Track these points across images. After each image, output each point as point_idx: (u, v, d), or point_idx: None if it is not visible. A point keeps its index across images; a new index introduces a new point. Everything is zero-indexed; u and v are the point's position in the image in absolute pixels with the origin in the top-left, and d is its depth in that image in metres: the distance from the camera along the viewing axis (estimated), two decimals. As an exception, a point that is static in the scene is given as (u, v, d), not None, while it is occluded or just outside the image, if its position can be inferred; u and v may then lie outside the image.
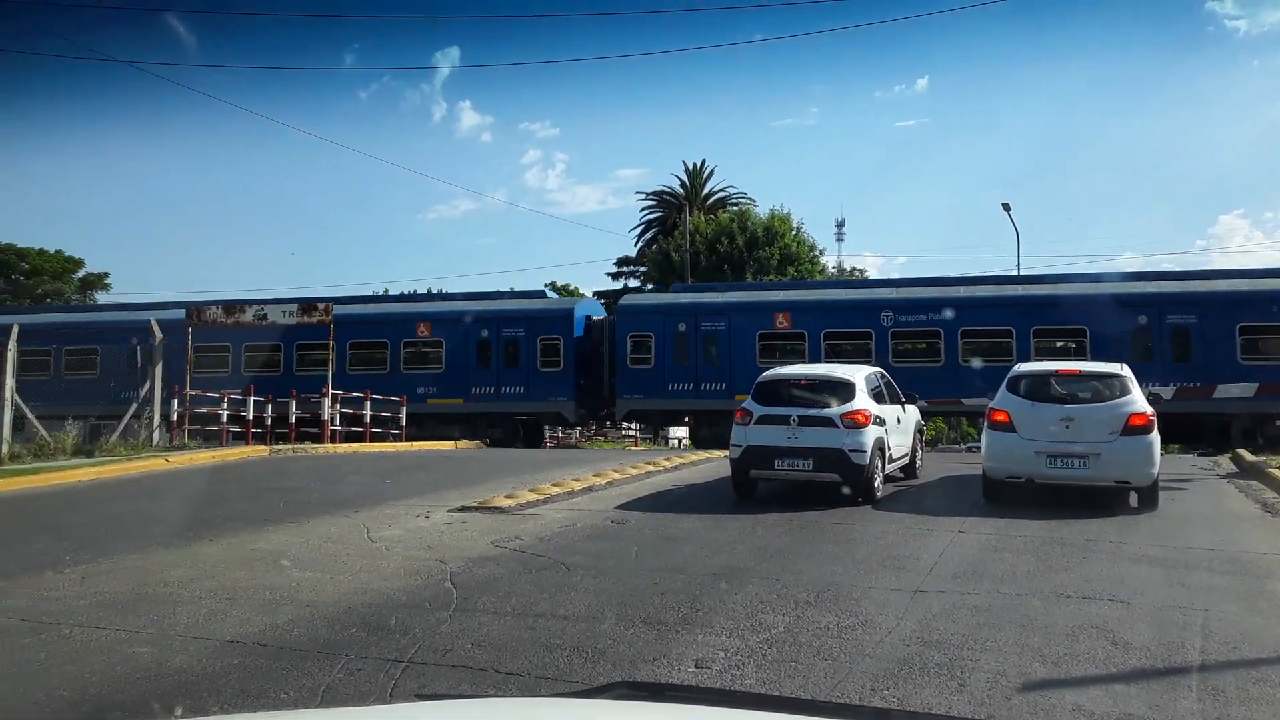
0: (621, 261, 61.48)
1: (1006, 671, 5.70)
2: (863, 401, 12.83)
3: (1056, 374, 13.15)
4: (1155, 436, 12.06)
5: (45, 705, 5.29)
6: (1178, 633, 6.65)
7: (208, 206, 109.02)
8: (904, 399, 15.03)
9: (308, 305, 25.28)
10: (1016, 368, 13.65)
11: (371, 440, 25.07)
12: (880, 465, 12.89)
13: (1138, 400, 12.20)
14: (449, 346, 29.84)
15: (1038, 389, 12.73)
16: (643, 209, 59.61)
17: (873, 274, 64.52)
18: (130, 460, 18.11)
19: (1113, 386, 12.44)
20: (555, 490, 13.59)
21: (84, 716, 5.15)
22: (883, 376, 14.66)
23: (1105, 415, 12.10)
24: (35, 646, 6.36)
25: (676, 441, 34.41)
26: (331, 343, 25.50)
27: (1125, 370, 12.81)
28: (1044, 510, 11.78)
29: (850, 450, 12.36)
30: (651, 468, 16.96)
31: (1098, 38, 76.57)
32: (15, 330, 20.09)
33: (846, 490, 12.47)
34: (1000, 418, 12.53)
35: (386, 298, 40.18)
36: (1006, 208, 39.15)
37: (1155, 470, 11.98)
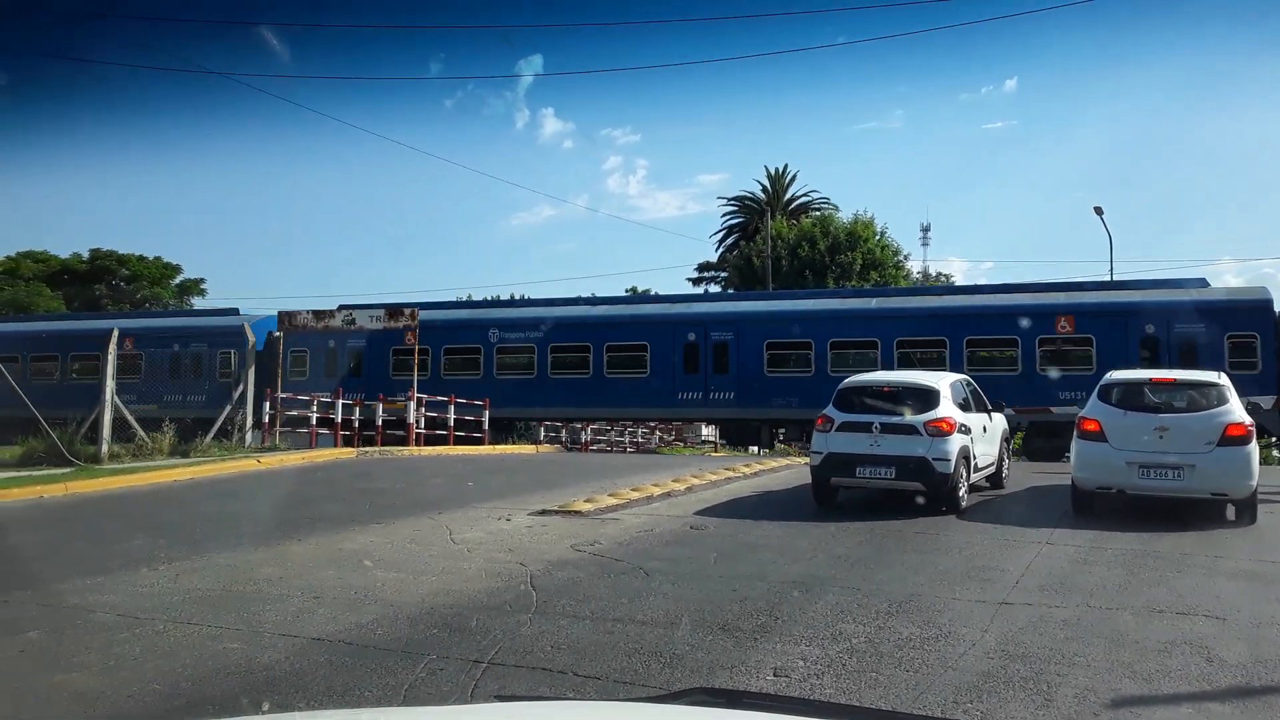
0: (703, 267, 61.50)
1: (1095, 687, 5.56)
2: (947, 409, 12.62)
3: (1150, 382, 12.78)
4: (1254, 447, 11.66)
5: (139, 698, 5.46)
6: (1274, 650, 6.42)
7: (299, 213, 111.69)
8: (990, 407, 14.74)
9: (395, 310, 25.72)
10: (1108, 375, 13.27)
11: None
12: (965, 474, 12.66)
13: (1235, 409, 11.80)
14: (1100, 344, 25.57)
15: (1130, 397, 12.39)
16: (724, 214, 59.62)
17: (959, 279, 63.29)
18: (224, 461, 18.63)
19: (1209, 395, 12.05)
20: (634, 495, 13.62)
21: (176, 710, 5.30)
22: (968, 384, 14.40)
23: (1201, 425, 11.73)
24: (130, 641, 6.58)
25: (754, 448, 34.16)
26: (417, 345, 25.83)
27: (1222, 379, 12.40)
28: (1136, 522, 11.45)
29: (934, 459, 12.17)
30: (731, 474, 16.91)
31: (1191, 34, 74.22)
32: (115, 334, 20.80)
33: (929, 499, 12.28)
34: (1090, 427, 12.22)
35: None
36: (1099, 211, 38.15)
37: (1254, 482, 11.57)
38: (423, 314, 31.10)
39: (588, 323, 29.96)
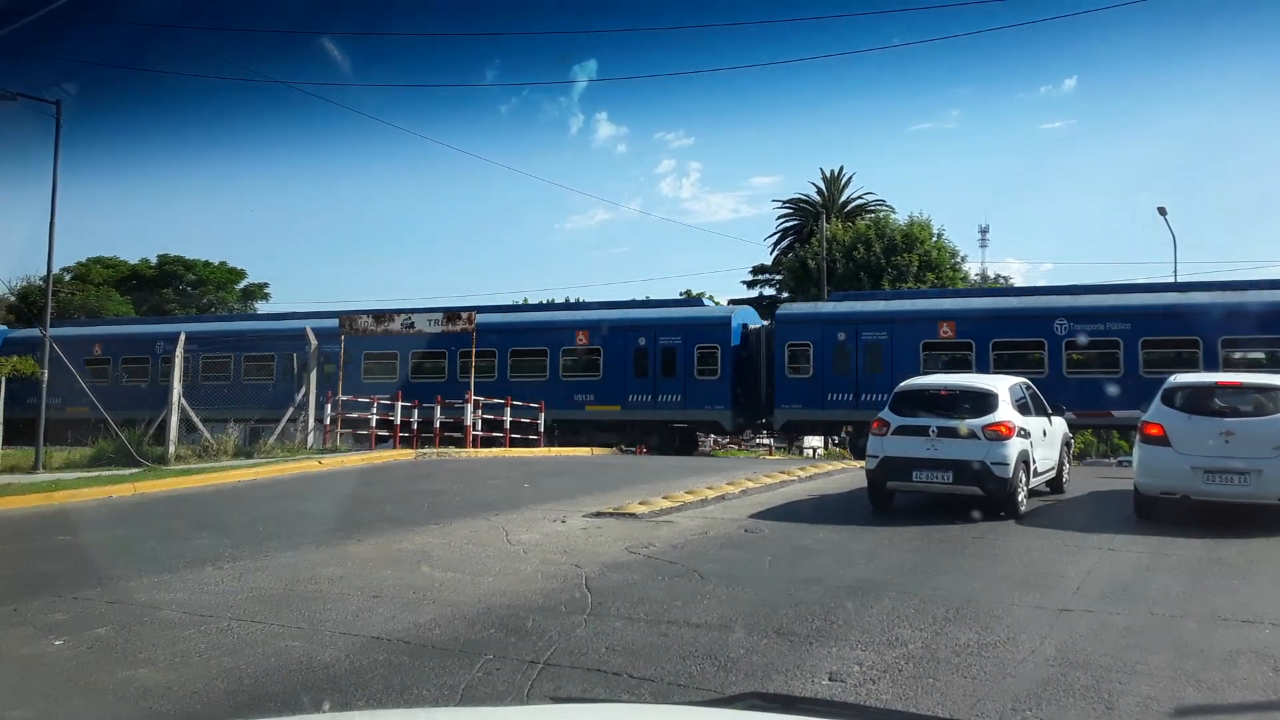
0: (757, 270, 61.21)
1: (1158, 696, 5.46)
2: (1006, 413, 12.46)
3: (1216, 385, 12.51)
4: None
5: (204, 695, 5.58)
6: (1348, 662, 6.25)
7: (358, 219, 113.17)
8: (1050, 411, 14.53)
9: (452, 314, 25.97)
10: (1172, 379, 13.02)
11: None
12: (1024, 479, 12.48)
13: (1305, 414, 11.51)
14: None
15: (1195, 401, 12.14)
16: (779, 217, 59.31)
17: (1018, 282, 62.29)
18: (286, 462, 18.96)
19: (1276, 399, 11.77)
20: (689, 498, 13.63)
21: (239, 706, 5.41)
22: (1028, 387, 14.20)
23: (1269, 429, 11.45)
24: (196, 638, 6.73)
25: (811, 451, 34.03)
26: (473, 349, 26.03)
27: None
28: (1201, 529, 11.22)
29: (992, 463, 12.02)
30: (786, 477, 16.84)
31: (1260, 33, 72.34)
32: (182, 338, 21.27)
33: (987, 504, 12.14)
34: (1154, 431, 12.00)
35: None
36: (1162, 212, 37.48)
37: (1324, 489, 11.27)
38: (962, 302, 28.43)
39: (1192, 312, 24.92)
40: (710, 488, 14.72)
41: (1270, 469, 11.25)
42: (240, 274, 62.65)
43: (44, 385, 19.69)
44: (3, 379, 20.60)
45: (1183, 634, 6.89)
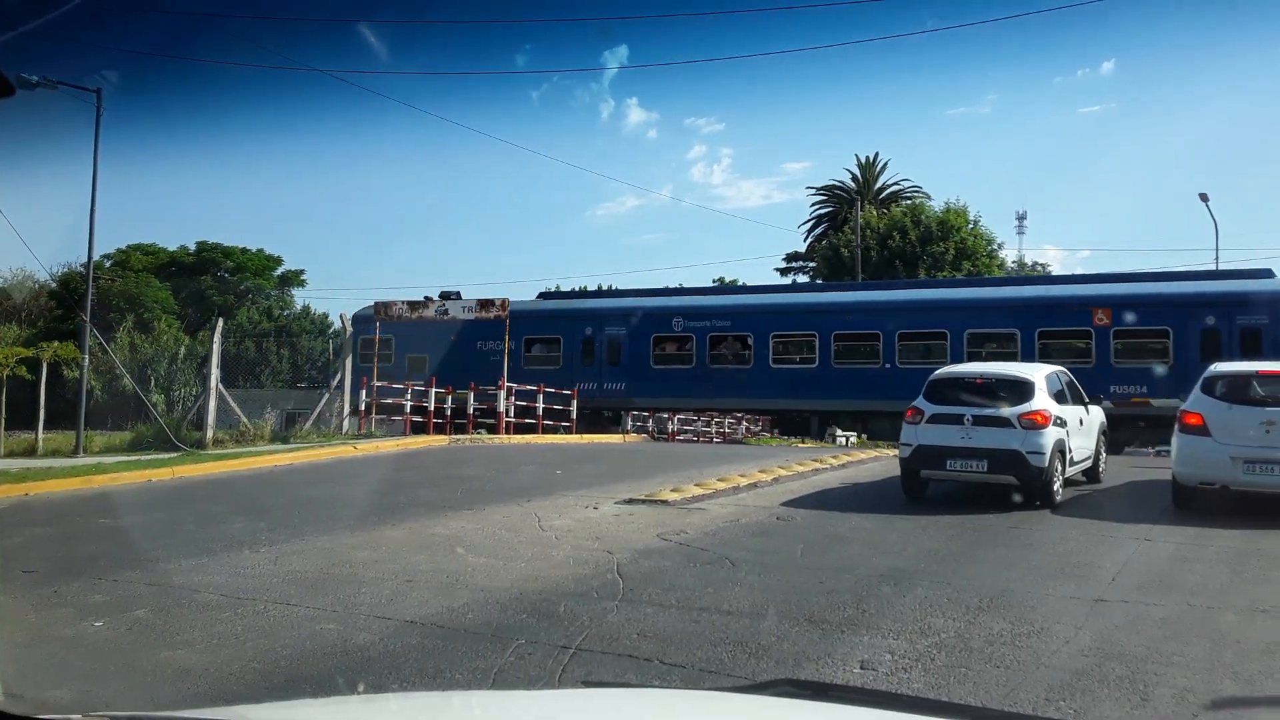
0: (790, 257, 60.91)
1: (1194, 688, 5.40)
2: (1042, 401, 12.34)
3: (1257, 374, 12.32)
4: None
5: (240, 677, 5.65)
6: (1391, 656, 6.15)
7: (391, 204, 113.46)
8: (1087, 399, 14.38)
9: (485, 302, 26.03)
10: (1213, 367, 12.84)
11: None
12: (1060, 468, 12.37)
13: (1348, 403, 11.32)
14: None
15: (1235, 390, 11.96)
16: (813, 204, 58.96)
17: (1055, 269, 61.53)
18: (321, 447, 19.13)
19: (1320, 389, 11.58)
20: (721, 485, 13.62)
21: (275, 688, 5.47)
22: (1064, 375, 14.07)
23: None
24: (232, 620, 6.82)
25: (844, 440, 33.81)
26: (506, 337, 26.07)
27: None
28: (1240, 519, 11.08)
29: (1028, 452, 11.92)
30: (818, 465, 16.79)
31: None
32: (220, 324, 21.49)
33: (1022, 494, 12.04)
34: (1193, 420, 11.84)
35: None
36: (1204, 198, 36.93)
37: (1368, 480, 11.08)
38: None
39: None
40: (742, 475, 14.70)
41: (1312, 459, 11.07)
42: (277, 260, 63.10)
43: (85, 370, 19.97)
44: (44, 364, 20.90)
45: (1221, 625, 6.82)
